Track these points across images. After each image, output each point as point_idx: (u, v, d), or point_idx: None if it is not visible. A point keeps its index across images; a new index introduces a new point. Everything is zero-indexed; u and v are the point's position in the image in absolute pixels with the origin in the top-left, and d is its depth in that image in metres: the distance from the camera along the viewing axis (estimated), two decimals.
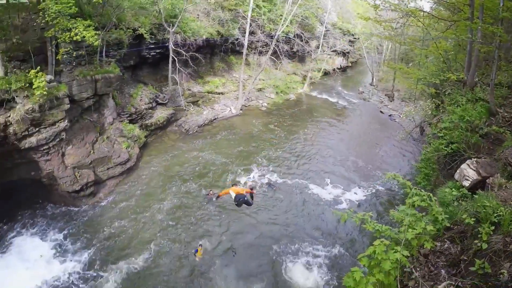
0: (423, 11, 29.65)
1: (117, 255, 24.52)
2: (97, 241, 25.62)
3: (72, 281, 22.52)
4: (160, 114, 41.87)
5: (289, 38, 61.07)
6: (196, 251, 24.47)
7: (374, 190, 33.95)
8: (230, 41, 53.16)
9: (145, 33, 37.70)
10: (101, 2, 29.39)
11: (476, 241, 8.82)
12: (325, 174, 36.19)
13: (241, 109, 51.47)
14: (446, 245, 9.96)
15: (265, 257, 25.09)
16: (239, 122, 48.63)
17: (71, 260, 23.89)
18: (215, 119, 47.84)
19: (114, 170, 32.12)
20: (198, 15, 50.16)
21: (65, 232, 26.22)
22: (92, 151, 30.95)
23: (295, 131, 47.10)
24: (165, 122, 42.23)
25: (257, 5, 55.24)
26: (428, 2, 38.57)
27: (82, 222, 27.35)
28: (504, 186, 12.35)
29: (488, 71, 24.97)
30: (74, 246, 25.06)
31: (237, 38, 52.71)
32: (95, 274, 23.02)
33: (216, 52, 54.95)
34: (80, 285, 22.28)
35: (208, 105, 49.81)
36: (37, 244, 25.07)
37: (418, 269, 9.42)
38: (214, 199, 28.05)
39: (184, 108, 45.10)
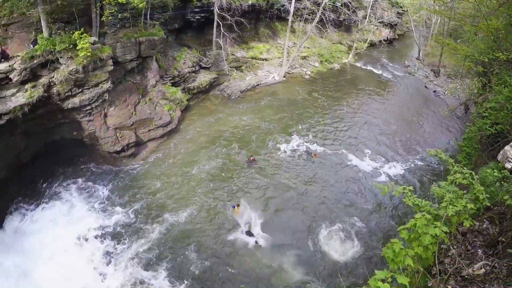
0: None
1: (161, 208, 25.83)
2: (143, 195, 26.91)
3: (120, 231, 24.00)
4: (203, 78, 42.11)
5: (336, 6, 59.81)
6: (234, 207, 25.46)
7: (413, 165, 33.64)
8: (276, 7, 52.50)
9: None
10: None
11: None
12: (365, 145, 36.08)
13: (284, 76, 51.18)
14: (485, 225, 9.84)
15: (301, 223, 25.46)
16: (282, 89, 48.49)
17: (118, 212, 25.33)
18: (257, 85, 47.82)
19: (156, 132, 32.71)
20: None
21: (111, 187, 27.55)
22: (134, 113, 31.54)
23: (338, 100, 46.74)
24: (207, 86, 42.49)
25: None
26: None
27: (126, 178, 28.57)
28: None
29: None
30: (121, 199, 26.46)
31: (283, 5, 51.89)
32: (141, 226, 24.38)
33: (261, 18, 54.56)
34: (128, 234, 23.73)
35: (251, 71, 49.79)
36: (86, 197, 26.53)
37: (455, 246, 9.36)
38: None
39: (227, 73, 45.24)
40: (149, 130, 32.30)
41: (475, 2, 28.97)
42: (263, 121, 38.47)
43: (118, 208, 25.58)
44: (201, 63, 43.06)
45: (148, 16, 32.88)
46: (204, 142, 33.66)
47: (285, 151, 33.41)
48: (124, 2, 27.37)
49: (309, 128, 38.17)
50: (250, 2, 47.14)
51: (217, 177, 29.31)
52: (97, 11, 28.09)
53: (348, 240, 24.29)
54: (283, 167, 31.37)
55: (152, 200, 26.49)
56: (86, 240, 23.20)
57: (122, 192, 27.08)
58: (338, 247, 23.78)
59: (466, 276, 8.08)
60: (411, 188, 10.42)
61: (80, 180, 27.79)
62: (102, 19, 28.46)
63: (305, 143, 34.90)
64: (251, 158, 31.43)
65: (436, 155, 12.19)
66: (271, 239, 23.95)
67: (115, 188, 27.46)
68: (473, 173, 10.28)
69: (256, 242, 23.64)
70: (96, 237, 23.37)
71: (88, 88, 27.42)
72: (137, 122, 31.44)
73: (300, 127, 38.18)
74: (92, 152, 29.94)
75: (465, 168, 10.38)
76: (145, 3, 29.10)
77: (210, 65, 43.96)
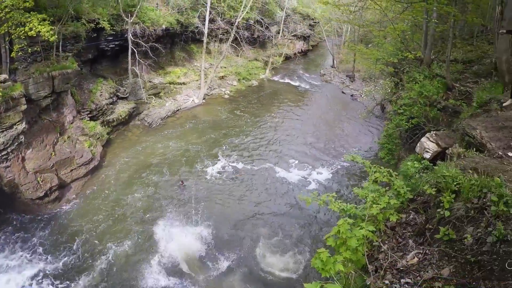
0: None
1: (103, 242, 24.78)
2: (82, 232, 25.62)
3: (66, 271, 22.64)
4: (122, 109, 41.13)
5: (250, 24, 60.94)
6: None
7: (339, 167, 34.78)
8: (190, 29, 52.59)
9: (107, 24, 36.65)
10: None
11: (439, 210, 9.02)
12: (291, 156, 36.63)
13: (204, 99, 51.19)
14: (411, 216, 10.18)
15: (242, 242, 25.33)
16: (203, 111, 48.51)
17: (61, 253, 23.90)
18: (178, 110, 47.46)
19: (78, 171, 31.11)
20: (157, 4, 49.57)
21: (48, 229, 25.90)
22: (53, 153, 29.96)
23: (260, 115, 47.48)
24: (127, 117, 41.53)
25: None
26: None
27: (63, 217, 27.18)
28: (462, 155, 12.73)
29: (444, 49, 26.09)
30: (62, 238, 25.10)
31: (197, 26, 52.29)
32: (87, 262, 23.28)
33: (176, 41, 54.33)
34: (74, 272, 22.48)
35: (170, 97, 49.32)
36: (20, 245, 24.63)
37: (386, 242, 9.61)
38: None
39: (146, 101, 44.57)
40: (71, 170, 30.64)
41: (381, 9, 30.54)
42: (189, 145, 38.17)
43: (59, 249, 24.10)
44: (118, 93, 42.14)
45: (60, 48, 31.64)
46: (134, 173, 32.78)
47: (212, 173, 33.24)
48: (35, 35, 26.26)
49: (235, 146, 38.37)
50: (164, 27, 46.85)
51: (151, 205, 28.59)
52: (6, 46, 26.84)
53: (290, 252, 24.34)
54: (213, 188, 31.18)
55: (92, 236, 25.31)
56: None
57: (61, 232, 25.59)
58: (279, 260, 23.77)
59: (402, 268, 8.29)
60: (334, 194, 10.86)
61: (10, 229, 25.70)
62: (12, 55, 27.05)
63: (230, 163, 34.92)
64: (182, 183, 31.08)
65: (353, 160, 12.67)
66: (213, 263, 23.54)
67: (54, 230, 25.83)
68: (391, 170, 10.75)
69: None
70: (42, 282, 21.87)
71: (2, 131, 25.61)
72: (58, 163, 29.75)
73: (225, 147, 38.26)
74: (15, 201, 27.59)
75: (382, 167, 10.83)
76: (56, 35, 28.08)
77: (127, 94, 43.17)
